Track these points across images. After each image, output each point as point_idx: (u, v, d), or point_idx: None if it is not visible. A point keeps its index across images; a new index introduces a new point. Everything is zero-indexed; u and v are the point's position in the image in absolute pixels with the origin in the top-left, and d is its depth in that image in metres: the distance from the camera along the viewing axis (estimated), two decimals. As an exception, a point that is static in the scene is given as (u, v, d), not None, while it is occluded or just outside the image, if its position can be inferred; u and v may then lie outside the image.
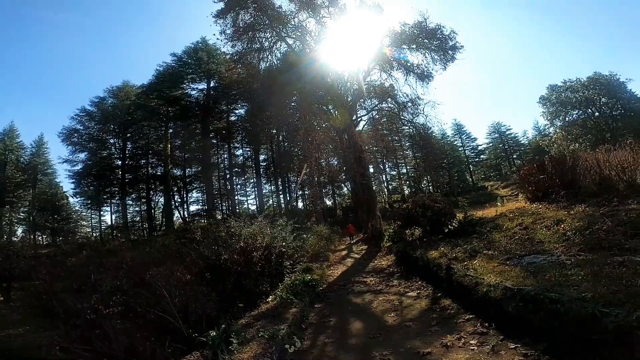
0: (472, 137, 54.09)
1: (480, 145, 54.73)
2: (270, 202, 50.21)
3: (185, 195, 43.48)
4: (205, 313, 5.52)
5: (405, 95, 18.97)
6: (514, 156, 52.77)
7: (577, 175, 8.54)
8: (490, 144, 55.01)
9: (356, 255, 15.48)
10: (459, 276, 5.56)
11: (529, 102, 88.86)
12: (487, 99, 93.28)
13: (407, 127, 20.91)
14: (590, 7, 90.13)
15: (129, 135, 42.39)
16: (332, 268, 12.39)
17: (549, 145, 34.53)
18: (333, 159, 39.09)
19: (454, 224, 10.45)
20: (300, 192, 50.69)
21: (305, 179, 44.24)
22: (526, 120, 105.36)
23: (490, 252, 6.50)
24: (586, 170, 8.50)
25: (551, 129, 37.63)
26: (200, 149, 39.38)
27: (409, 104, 19.00)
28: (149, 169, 43.96)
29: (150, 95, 39.05)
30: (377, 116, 29.16)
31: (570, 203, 7.94)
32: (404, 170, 52.56)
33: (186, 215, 41.09)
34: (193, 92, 39.48)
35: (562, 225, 6.46)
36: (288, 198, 48.53)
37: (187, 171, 43.55)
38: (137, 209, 46.89)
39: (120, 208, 44.87)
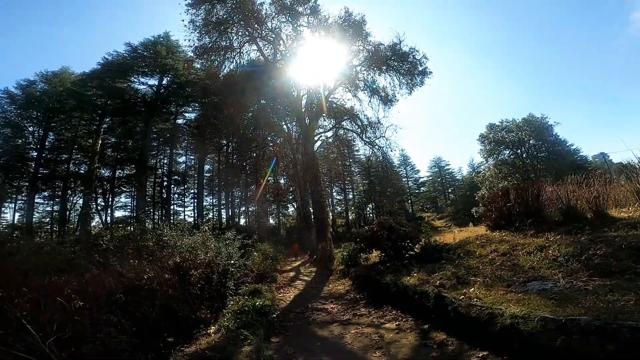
0: (415, 169, 57.48)
1: (422, 177, 58.45)
2: (210, 215, 46.13)
3: (111, 199, 37.34)
4: (114, 350, 3.54)
5: (366, 117, 18.72)
6: (449, 191, 57.03)
7: (541, 204, 8.44)
8: (430, 177, 58.90)
9: (306, 278, 13.92)
10: (459, 306, 4.53)
11: (471, 139, 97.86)
12: (433, 132, 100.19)
13: (367, 149, 20.48)
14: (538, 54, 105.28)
15: (53, 125, 35.71)
16: (282, 291, 10.65)
17: (482, 182, 37.40)
18: (282, 177, 37.66)
19: (416, 249, 9.81)
20: (244, 209, 47.97)
21: (251, 195, 41.83)
22: (465, 157, 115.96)
23: (479, 279, 5.66)
24: (549, 200, 8.45)
25: (484, 166, 41.03)
26: (137, 150, 34.53)
27: (369, 128, 18.74)
28: (71, 165, 37.18)
29: (89, 84, 33.66)
30: (331, 139, 28.77)
31: (537, 231, 7.72)
32: (350, 196, 53.06)
33: (109, 221, 35.04)
34: (141, 87, 34.94)
35: (548, 252, 5.98)
36: (230, 213, 45.23)
37: (117, 172, 37.71)
38: (48, 209, 38.82)
39: (26, 206, 36.55)
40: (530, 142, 35.75)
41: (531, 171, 33.54)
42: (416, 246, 9.89)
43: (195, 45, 15.79)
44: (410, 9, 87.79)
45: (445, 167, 57.67)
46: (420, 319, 5.50)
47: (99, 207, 37.05)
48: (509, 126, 37.32)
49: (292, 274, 15.49)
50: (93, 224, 36.77)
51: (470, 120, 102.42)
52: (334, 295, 9.24)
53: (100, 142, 34.60)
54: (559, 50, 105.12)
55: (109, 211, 37.13)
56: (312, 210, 29.06)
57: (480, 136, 38.49)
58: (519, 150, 36.03)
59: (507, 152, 36.73)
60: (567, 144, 37.26)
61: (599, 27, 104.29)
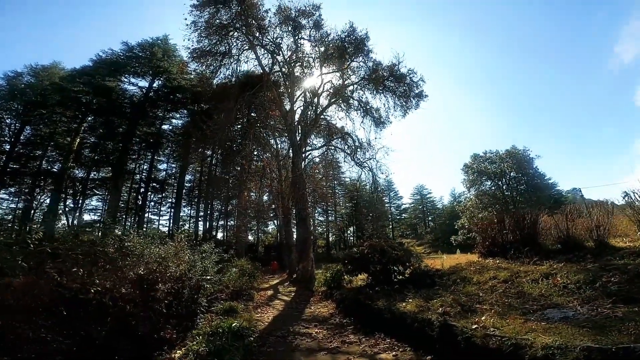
0: (398, 195, 57.63)
1: (404, 204, 58.66)
2: (187, 226, 43.93)
3: (82, 201, 34.79)
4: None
5: (357, 138, 18.34)
6: (429, 218, 57.37)
7: (537, 233, 8.15)
8: (412, 205, 59.22)
9: (285, 298, 12.87)
10: (473, 337, 3.89)
11: (453, 168, 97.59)
12: (417, 159, 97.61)
13: (353, 172, 20.06)
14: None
15: (31, 119, 33.53)
16: (259, 310, 9.60)
17: (463, 211, 37.69)
18: (265, 194, 36.56)
19: (406, 273, 9.23)
20: (223, 222, 46.36)
21: (232, 209, 40.31)
22: (446, 185, 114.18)
23: (485, 306, 5.10)
24: (545, 229, 8.19)
25: (466, 196, 41.29)
26: (117, 152, 32.71)
27: (359, 149, 18.38)
28: (43, 162, 34.63)
29: (77, 79, 32.12)
30: (318, 159, 28.40)
31: (534, 259, 7.38)
32: (332, 218, 52.21)
33: (76, 224, 32.37)
34: (130, 87, 33.61)
35: (556, 279, 5.59)
36: (208, 226, 43.27)
37: (92, 174, 35.39)
38: (13, 206, 35.55)
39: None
40: (511, 174, 36.61)
41: (510, 203, 34.12)
42: (407, 271, 9.33)
43: (194, 47, 15.27)
44: (399, 37, 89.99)
45: (427, 195, 58.48)
46: (420, 349, 4.81)
47: (67, 209, 34.34)
48: (492, 157, 38.10)
49: (270, 292, 14.37)
50: (59, 225, 33.98)
51: (454, 149, 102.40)
52: (318, 318, 8.34)
53: (78, 140, 32.58)
54: (544, 81, 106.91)
55: (78, 213, 34.47)
56: (294, 229, 28.03)
57: (464, 166, 39.20)
58: (500, 182, 36.72)
59: (489, 183, 37.40)
60: (546, 178, 38.41)
61: (583, 59, 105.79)
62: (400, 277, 9.21)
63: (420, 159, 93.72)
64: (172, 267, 6.18)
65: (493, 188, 36.93)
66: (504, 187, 36.62)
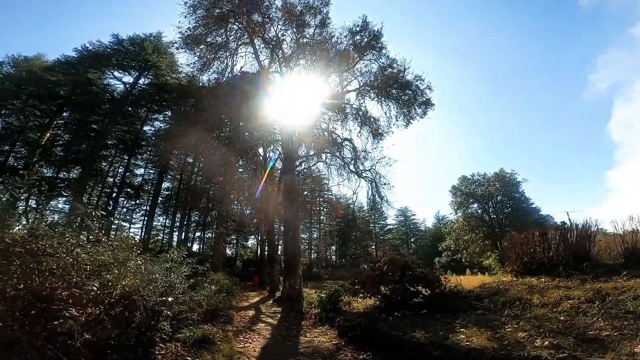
0: (384, 215, 56.11)
1: (389, 225, 57.01)
2: (161, 236, 39.91)
3: (44, 201, 30.53)
4: None
5: (354, 148, 16.56)
6: (412, 240, 55.91)
7: (590, 248, 6.54)
8: (396, 226, 57.76)
9: (270, 320, 10.41)
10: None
11: (436, 192, 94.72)
12: (404, 179, 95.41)
13: (341, 188, 17.89)
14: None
15: (3, 110, 29.79)
16: (242, 338, 7.19)
17: (448, 233, 36.43)
18: (247, 207, 33.91)
19: (427, 295, 7.30)
20: (200, 234, 42.97)
21: (211, 221, 37.27)
22: (428, 209, 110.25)
23: (606, 333, 3.19)
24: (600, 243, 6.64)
25: (453, 218, 39.65)
26: (90, 151, 29.20)
27: (357, 159, 16.59)
28: (10, 158, 30.42)
29: (57, 68, 29.03)
30: (307, 170, 26.39)
31: (594, 276, 5.75)
32: (315, 235, 49.70)
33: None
34: (113, 82, 30.62)
35: None
36: (183, 237, 39.62)
37: (62, 174, 31.34)
38: (-29, 203, 30.50)
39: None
40: (498, 197, 35.93)
41: (496, 226, 33.31)
42: (427, 291, 7.40)
43: (190, 28, 13.20)
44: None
45: (411, 217, 57.68)
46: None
47: (27, 208, 29.93)
48: (480, 180, 37.45)
49: (251, 312, 11.81)
50: (19, 227, 29.39)
51: (435, 173, 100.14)
52: (320, 351, 6.10)
53: (48, 135, 28.96)
54: (525, 108, 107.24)
55: (38, 214, 30.08)
56: (280, 243, 25.37)
57: (452, 187, 38.36)
58: (487, 205, 36.09)
59: (476, 205, 36.64)
60: (530, 202, 37.90)
61: (559, 89, 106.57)
62: (421, 299, 7.26)
63: (404, 181, 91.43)
64: (110, 278, 3.88)
65: (480, 211, 36.08)
66: (490, 210, 35.82)
